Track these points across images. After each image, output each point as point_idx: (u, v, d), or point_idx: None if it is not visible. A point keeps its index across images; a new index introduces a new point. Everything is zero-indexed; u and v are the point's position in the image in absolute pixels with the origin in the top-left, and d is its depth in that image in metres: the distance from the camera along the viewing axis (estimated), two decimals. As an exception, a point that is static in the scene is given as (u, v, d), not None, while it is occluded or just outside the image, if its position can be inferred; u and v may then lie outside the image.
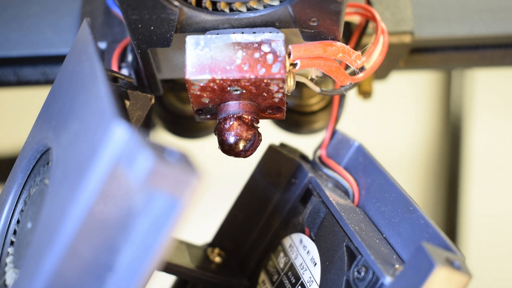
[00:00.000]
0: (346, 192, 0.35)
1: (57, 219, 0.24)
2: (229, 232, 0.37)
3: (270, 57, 0.29)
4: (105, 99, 0.24)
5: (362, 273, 0.29)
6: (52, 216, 0.25)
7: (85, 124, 0.25)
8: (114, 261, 0.23)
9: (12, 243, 0.30)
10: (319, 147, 0.36)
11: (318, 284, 0.31)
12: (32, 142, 0.30)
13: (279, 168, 0.36)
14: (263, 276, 0.35)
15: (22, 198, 0.30)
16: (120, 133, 0.22)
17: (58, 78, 0.31)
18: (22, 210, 0.30)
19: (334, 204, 0.32)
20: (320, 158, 0.36)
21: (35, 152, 0.30)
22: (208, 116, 0.32)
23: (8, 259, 0.29)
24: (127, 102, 0.31)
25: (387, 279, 0.28)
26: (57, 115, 0.29)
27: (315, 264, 0.32)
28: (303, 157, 0.37)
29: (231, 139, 0.30)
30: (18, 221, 0.30)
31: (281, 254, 0.35)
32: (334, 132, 0.36)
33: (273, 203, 0.36)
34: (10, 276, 0.29)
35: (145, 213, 0.23)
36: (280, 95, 0.30)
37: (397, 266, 0.29)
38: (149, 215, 0.22)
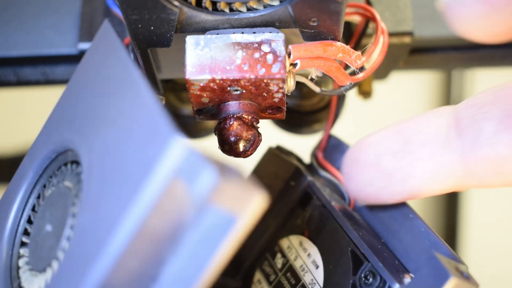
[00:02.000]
0: (342, 196, 0.35)
1: (105, 229, 0.23)
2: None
3: (270, 57, 0.29)
4: (157, 112, 0.24)
5: (370, 279, 0.29)
6: (96, 225, 0.25)
7: (129, 133, 0.25)
8: (159, 272, 0.23)
9: (23, 243, 0.29)
10: (317, 149, 0.36)
11: (321, 286, 0.31)
12: (47, 142, 0.30)
13: (277, 171, 0.36)
14: (258, 275, 0.35)
15: (33, 197, 0.30)
16: (180, 149, 0.22)
17: (75, 78, 0.30)
18: (34, 211, 0.30)
19: (336, 208, 0.32)
20: (317, 161, 0.36)
21: (51, 153, 0.29)
22: (208, 116, 0.32)
23: (22, 261, 0.29)
24: None
25: (397, 286, 0.28)
26: (81, 117, 0.28)
27: (317, 267, 0.32)
28: (299, 160, 0.37)
29: (231, 139, 0.30)
30: (29, 221, 0.30)
31: (279, 255, 0.35)
32: (329, 137, 0.36)
33: (271, 205, 0.36)
34: (27, 280, 0.28)
35: (200, 227, 0.22)
36: (280, 95, 0.30)
37: (405, 274, 0.29)
38: (202, 229, 0.22)
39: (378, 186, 0.30)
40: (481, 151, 0.28)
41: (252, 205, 0.22)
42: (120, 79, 0.27)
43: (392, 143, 0.30)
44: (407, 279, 0.28)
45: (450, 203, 0.92)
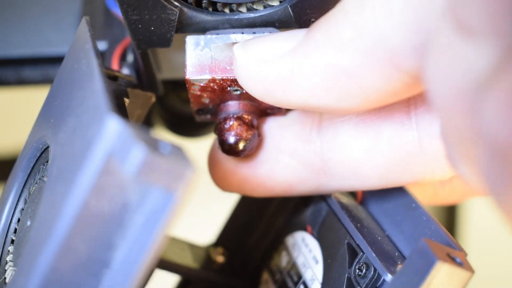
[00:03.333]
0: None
1: (53, 215, 0.24)
2: (232, 232, 0.37)
3: (270, 57, 0.29)
4: (99, 94, 0.24)
5: (364, 270, 0.29)
6: (48, 213, 0.25)
7: (81, 120, 0.25)
8: (109, 257, 0.23)
9: (12, 241, 0.30)
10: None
11: (320, 282, 0.31)
12: (32, 140, 0.30)
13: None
14: (265, 275, 0.35)
15: (23, 197, 0.30)
16: (113, 127, 0.22)
17: (57, 77, 0.31)
18: (22, 209, 0.30)
19: (336, 202, 0.32)
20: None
21: (35, 151, 0.30)
22: (208, 116, 0.32)
23: (9, 258, 0.29)
24: (127, 100, 0.31)
25: (389, 276, 0.28)
26: (55, 113, 0.29)
27: (317, 262, 0.32)
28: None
29: (231, 139, 0.30)
30: (18, 220, 0.30)
31: (284, 253, 0.35)
32: None
33: (276, 202, 0.36)
34: (9, 274, 0.29)
35: (140, 207, 0.22)
36: (280, 94, 0.30)
37: (399, 263, 0.29)
38: (143, 210, 0.22)
39: (240, 180, 0.31)
40: (337, 155, 0.29)
41: (185, 179, 0.21)
42: (84, 72, 0.27)
43: (256, 138, 0.31)
44: (399, 269, 0.28)
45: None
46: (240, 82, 0.28)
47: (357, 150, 0.29)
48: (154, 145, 0.22)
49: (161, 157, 0.21)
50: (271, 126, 0.31)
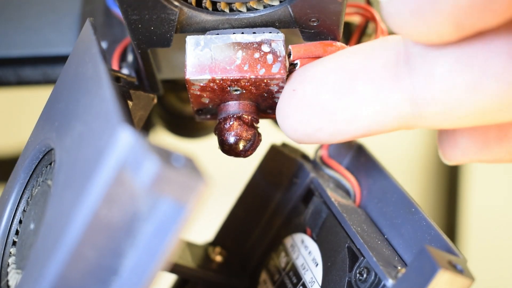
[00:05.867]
0: (347, 192, 0.35)
1: (62, 222, 0.24)
2: (231, 231, 0.37)
3: (270, 57, 0.29)
4: (110, 103, 0.24)
5: (364, 275, 0.29)
6: (57, 219, 0.25)
7: (89, 127, 0.25)
8: (118, 265, 0.23)
9: (14, 243, 0.30)
10: (320, 147, 0.36)
11: (320, 284, 0.31)
12: (35, 142, 0.30)
13: (281, 167, 0.36)
14: (264, 275, 0.35)
15: (24, 198, 0.30)
16: (126, 138, 0.22)
17: (60, 78, 0.31)
18: (24, 210, 0.30)
19: (336, 204, 0.32)
20: (321, 158, 0.36)
21: (38, 153, 0.30)
22: (208, 116, 0.32)
23: (11, 260, 0.29)
24: (130, 103, 0.31)
25: (390, 282, 0.28)
26: (60, 116, 0.29)
27: (317, 264, 0.32)
28: (305, 157, 0.37)
29: (231, 139, 0.30)
30: (20, 221, 0.30)
31: (283, 254, 0.35)
32: None
33: (275, 202, 0.36)
34: (12, 277, 0.29)
35: (150, 218, 0.22)
36: (280, 95, 0.30)
37: (399, 268, 0.29)
38: (154, 220, 0.22)
39: (317, 127, 0.28)
40: (432, 92, 0.26)
41: (197, 192, 0.22)
42: (90, 76, 0.27)
43: (335, 79, 0.27)
44: (400, 274, 0.28)
45: (451, 196, 0.92)
46: (392, 26, 0.25)
47: (458, 86, 0.25)
48: (167, 157, 0.22)
49: (174, 170, 0.21)
50: (343, 69, 0.27)
